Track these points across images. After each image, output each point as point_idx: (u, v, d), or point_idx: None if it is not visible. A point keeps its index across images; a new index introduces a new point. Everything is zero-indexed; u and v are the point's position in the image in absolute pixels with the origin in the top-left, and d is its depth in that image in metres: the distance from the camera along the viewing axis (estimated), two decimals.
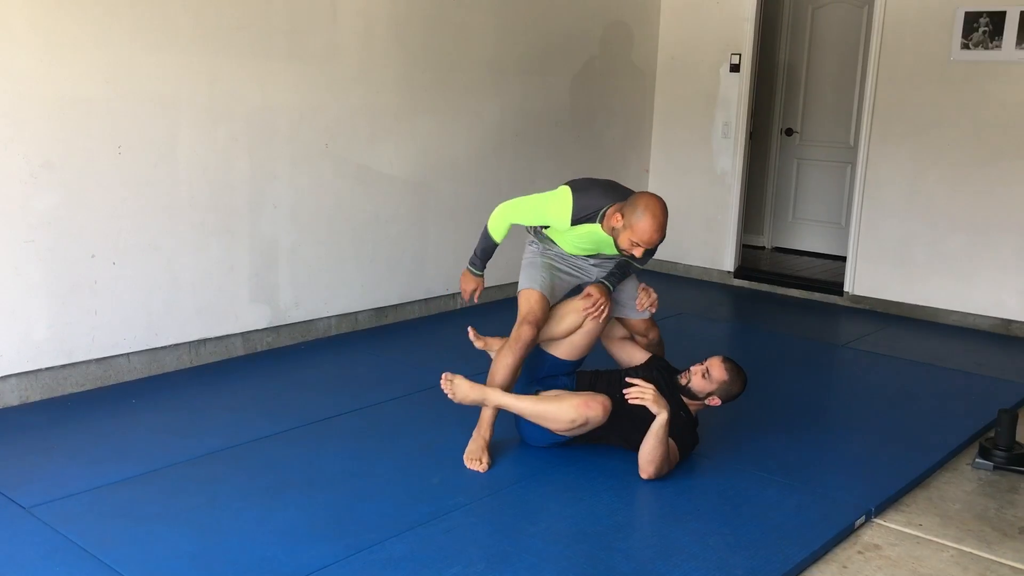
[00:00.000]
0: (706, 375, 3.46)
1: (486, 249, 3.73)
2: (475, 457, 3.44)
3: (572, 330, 3.62)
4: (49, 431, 3.69)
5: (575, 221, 3.44)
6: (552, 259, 3.71)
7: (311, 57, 4.76)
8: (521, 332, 3.52)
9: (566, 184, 3.51)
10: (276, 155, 4.68)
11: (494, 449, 3.54)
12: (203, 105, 4.34)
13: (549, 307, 3.63)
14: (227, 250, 4.55)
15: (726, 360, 3.50)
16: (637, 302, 3.73)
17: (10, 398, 3.91)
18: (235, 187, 4.53)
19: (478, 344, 3.85)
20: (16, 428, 3.69)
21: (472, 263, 3.78)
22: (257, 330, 4.76)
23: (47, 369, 4.00)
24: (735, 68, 6.71)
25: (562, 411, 3.40)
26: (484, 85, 5.73)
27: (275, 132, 4.66)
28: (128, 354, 4.25)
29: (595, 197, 3.43)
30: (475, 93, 5.69)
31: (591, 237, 3.53)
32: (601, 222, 3.41)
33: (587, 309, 3.55)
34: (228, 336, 4.63)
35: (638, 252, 3.33)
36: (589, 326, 3.61)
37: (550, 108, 6.22)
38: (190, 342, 4.48)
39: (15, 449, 3.49)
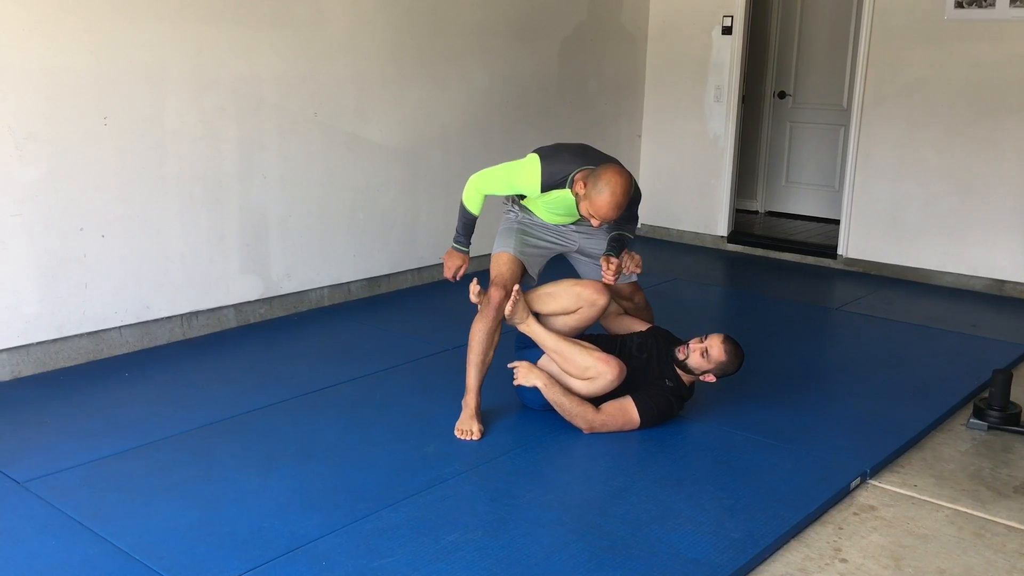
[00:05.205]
0: (705, 354, 3.43)
1: (466, 224, 3.64)
2: (465, 428, 3.43)
3: (563, 312, 3.55)
4: (42, 406, 3.67)
5: (545, 188, 3.40)
6: (528, 226, 3.67)
7: (297, 24, 4.70)
8: (490, 295, 3.49)
9: (534, 151, 3.48)
10: (264, 124, 4.63)
11: (488, 417, 3.54)
12: (189, 74, 4.28)
13: (520, 269, 3.59)
14: (217, 221, 4.51)
15: (726, 340, 3.45)
16: (603, 270, 3.53)
17: (2, 373, 3.89)
18: (223, 157, 4.49)
19: (475, 299, 3.61)
20: (9, 403, 3.68)
21: (457, 240, 3.68)
22: (249, 302, 4.73)
23: (38, 344, 3.97)
24: (727, 31, 6.65)
25: (580, 356, 3.42)
26: (472, 51, 5.67)
27: (262, 101, 4.60)
28: (120, 327, 4.22)
29: (564, 162, 3.39)
30: (464, 60, 5.62)
31: (562, 203, 3.49)
32: (571, 187, 3.38)
33: (606, 273, 3.46)
34: (220, 308, 4.61)
35: (595, 223, 3.32)
36: (586, 313, 3.54)
37: (540, 74, 6.16)
38: (182, 314, 4.45)
39: (8, 424, 3.47)
